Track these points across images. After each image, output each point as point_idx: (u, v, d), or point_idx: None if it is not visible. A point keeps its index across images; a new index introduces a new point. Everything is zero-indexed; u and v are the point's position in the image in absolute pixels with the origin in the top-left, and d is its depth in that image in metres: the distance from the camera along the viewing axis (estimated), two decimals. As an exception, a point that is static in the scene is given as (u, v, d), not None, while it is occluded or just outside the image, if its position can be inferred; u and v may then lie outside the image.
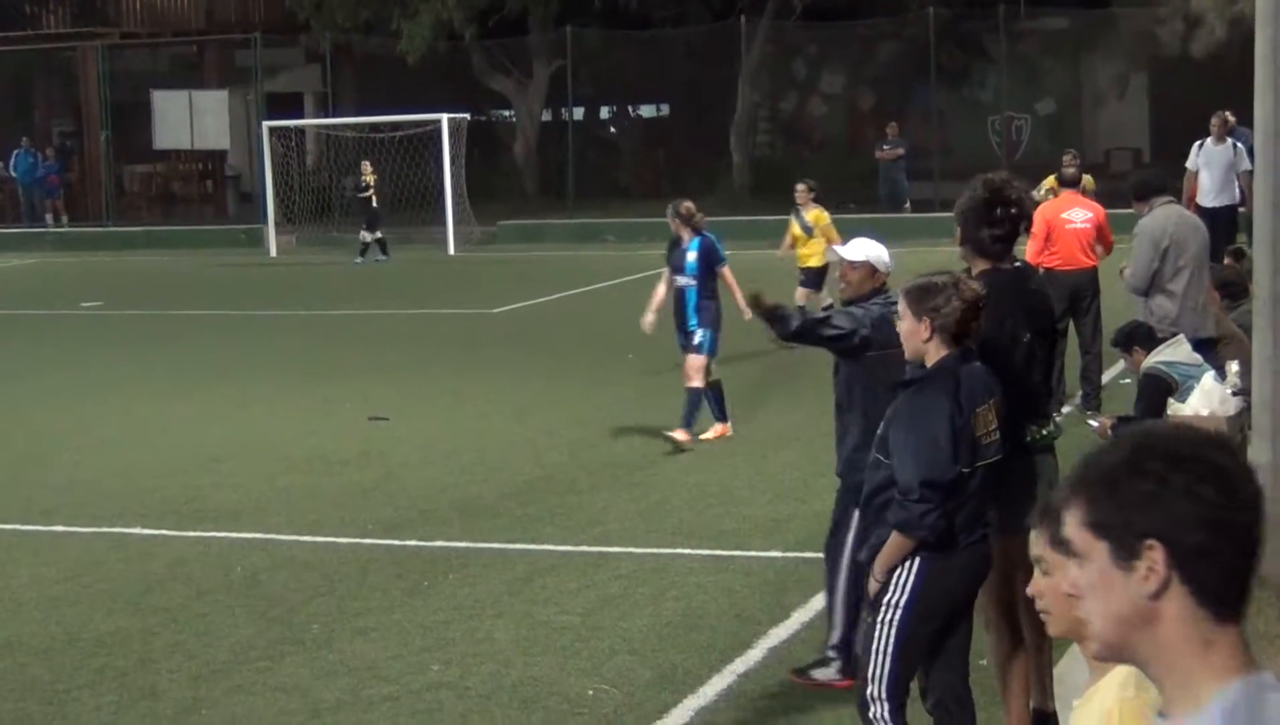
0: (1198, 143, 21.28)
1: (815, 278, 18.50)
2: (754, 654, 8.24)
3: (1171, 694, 2.29)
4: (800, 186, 18.92)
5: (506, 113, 45.72)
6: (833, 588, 7.73)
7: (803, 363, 15.15)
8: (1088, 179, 20.73)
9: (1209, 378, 10.44)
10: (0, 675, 8.35)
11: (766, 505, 11.34)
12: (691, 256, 13.50)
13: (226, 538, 11.00)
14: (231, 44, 44.24)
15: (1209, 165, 20.86)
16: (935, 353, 6.04)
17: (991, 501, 6.20)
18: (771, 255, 19.79)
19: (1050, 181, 20.28)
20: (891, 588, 6.00)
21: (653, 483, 12.19)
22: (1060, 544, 2.39)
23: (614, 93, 46.43)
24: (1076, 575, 2.33)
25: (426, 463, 13.15)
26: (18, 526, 11.51)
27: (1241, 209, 21.27)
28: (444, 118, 33.76)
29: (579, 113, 44.80)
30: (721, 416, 13.75)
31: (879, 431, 6.15)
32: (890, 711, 6.05)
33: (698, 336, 13.45)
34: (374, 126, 37.13)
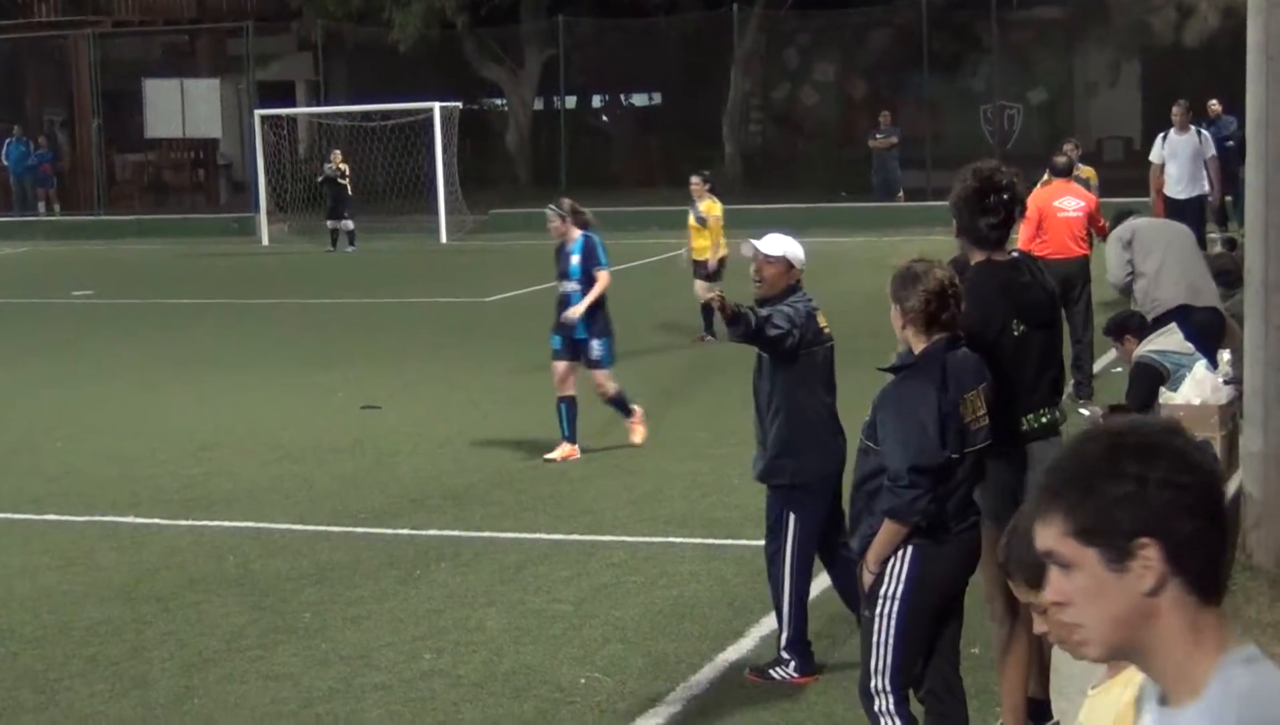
0: (1161, 134, 21.22)
1: (710, 270, 18.19)
2: (746, 642, 8.25)
3: (1171, 683, 2.30)
4: (695, 179, 18.77)
5: (499, 101, 45.70)
6: (778, 590, 7.70)
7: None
8: (1090, 171, 20.63)
9: (1200, 366, 10.44)
10: (-8, 664, 8.35)
11: (758, 494, 11.29)
12: (575, 259, 12.53)
13: (219, 526, 11.00)
14: (223, 32, 44.18)
15: (1174, 156, 20.78)
16: (917, 340, 6.05)
17: (994, 492, 6.21)
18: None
19: (1089, 172, 20.30)
20: (886, 579, 5.99)
21: (645, 472, 12.19)
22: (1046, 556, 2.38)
23: (606, 81, 46.43)
24: (1061, 584, 2.32)
25: (419, 451, 13.14)
26: (9, 515, 11.50)
27: (1209, 198, 21.22)
28: (436, 106, 33.73)
29: (571, 101, 44.78)
30: (571, 437, 12.66)
31: (868, 417, 6.12)
32: (895, 703, 6.04)
33: (595, 350, 12.58)
34: (366, 115, 37.09)
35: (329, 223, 32.53)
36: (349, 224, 32.10)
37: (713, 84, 40.48)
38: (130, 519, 11.26)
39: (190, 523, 11.12)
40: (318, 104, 42.09)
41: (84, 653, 8.43)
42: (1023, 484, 6.31)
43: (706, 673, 7.84)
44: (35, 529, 11.14)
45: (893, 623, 6.00)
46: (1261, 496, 8.67)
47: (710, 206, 18.50)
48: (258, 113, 36.97)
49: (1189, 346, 10.72)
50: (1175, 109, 21.18)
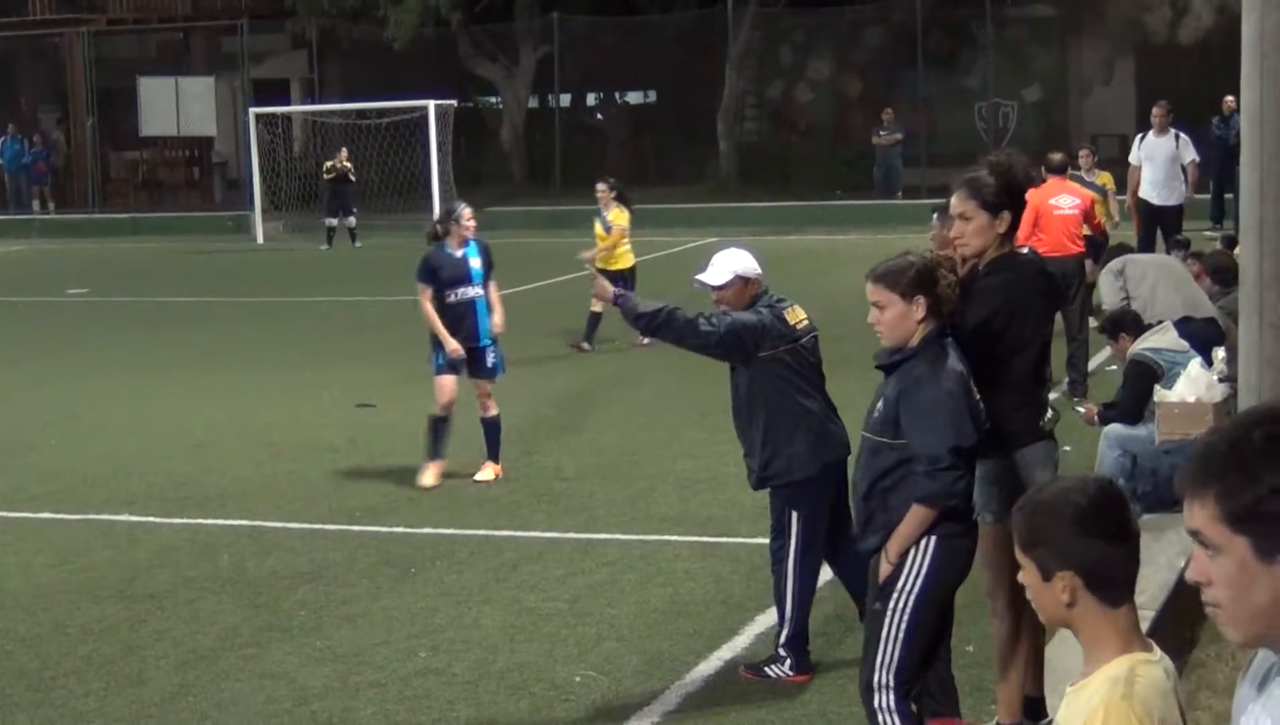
0: (1139, 135, 21.07)
1: (620, 280, 17.87)
2: (741, 640, 8.25)
3: None
4: (601, 186, 18.56)
5: (493, 99, 45.67)
6: (782, 586, 7.70)
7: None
8: (1107, 177, 20.31)
9: (1195, 364, 10.45)
10: (-14, 663, 8.34)
11: (752, 492, 11.31)
12: (476, 263, 12.24)
13: (213, 525, 10.99)
14: (218, 30, 44.15)
15: (1151, 158, 20.52)
16: (923, 328, 6.03)
17: (997, 488, 6.22)
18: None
19: (1106, 179, 20.00)
20: (905, 574, 5.93)
21: (639, 470, 12.18)
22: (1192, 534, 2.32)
23: (601, 79, 46.38)
24: (1206, 566, 2.29)
25: (413, 449, 13.11)
26: (3, 513, 11.49)
27: (1183, 203, 20.88)
28: (430, 104, 33.69)
29: (566, 99, 44.76)
30: (437, 454, 12.05)
31: (879, 415, 6.03)
32: (896, 700, 5.99)
33: (490, 357, 12.16)
34: (361, 113, 37.07)
35: (329, 221, 32.53)
36: (353, 221, 32.32)
37: (707, 81, 40.46)
38: (125, 517, 11.25)
39: (185, 521, 11.11)
40: (312, 102, 42.07)
41: (79, 651, 8.42)
42: (1021, 481, 6.29)
43: (701, 670, 7.83)
44: (30, 527, 11.13)
45: (905, 617, 5.94)
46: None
47: (617, 215, 18.26)
48: (252, 110, 36.94)
49: (1184, 344, 10.72)
50: (1155, 110, 20.90)
